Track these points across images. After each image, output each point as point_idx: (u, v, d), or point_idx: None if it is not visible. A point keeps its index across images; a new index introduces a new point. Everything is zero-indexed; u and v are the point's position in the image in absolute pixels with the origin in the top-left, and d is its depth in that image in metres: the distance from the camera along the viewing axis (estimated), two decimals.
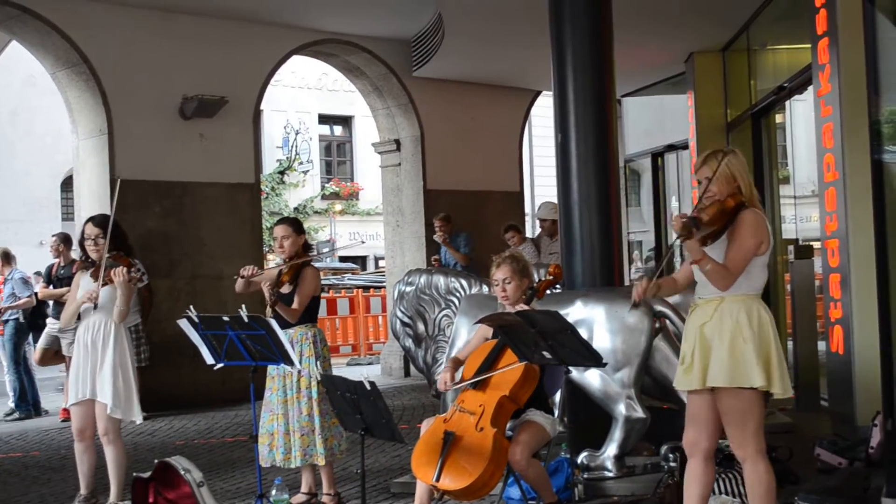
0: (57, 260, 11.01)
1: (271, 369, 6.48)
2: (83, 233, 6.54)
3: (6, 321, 11.60)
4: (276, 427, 6.45)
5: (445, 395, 6.68)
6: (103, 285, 6.28)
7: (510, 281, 5.64)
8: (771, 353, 4.62)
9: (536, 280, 5.93)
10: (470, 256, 12.41)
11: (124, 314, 6.33)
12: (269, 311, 6.39)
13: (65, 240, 11.00)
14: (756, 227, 4.65)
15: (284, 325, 6.31)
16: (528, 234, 15.49)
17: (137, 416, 6.41)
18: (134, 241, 7.04)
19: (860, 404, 7.64)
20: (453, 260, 12.45)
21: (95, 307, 6.31)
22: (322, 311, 12.90)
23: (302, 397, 6.39)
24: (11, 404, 11.60)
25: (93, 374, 6.33)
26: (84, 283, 6.47)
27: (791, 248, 9.66)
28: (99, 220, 6.51)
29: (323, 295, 12.07)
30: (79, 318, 6.48)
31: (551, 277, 5.96)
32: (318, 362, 6.43)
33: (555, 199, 8.12)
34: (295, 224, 6.72)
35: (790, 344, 9.63)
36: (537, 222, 11.71)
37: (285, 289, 6.48)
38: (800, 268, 9.48)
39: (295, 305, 6.44)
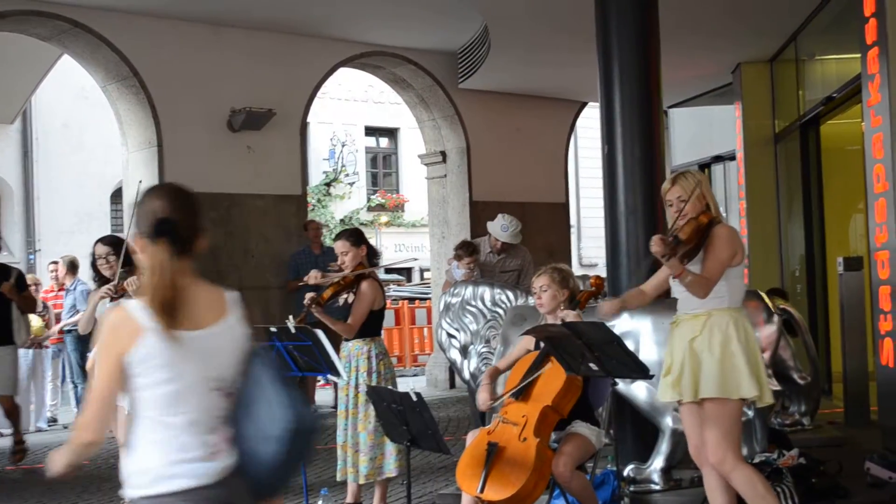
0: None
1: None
2: (94, 254, 6.58)
3: (68, 331, 11.73)
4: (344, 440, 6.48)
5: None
6: (120, 297, 6.16)
7: (546, 289, 5.63)
8: (759, 363, 4.88)
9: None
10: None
11: None
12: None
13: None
14: (730, 240, 4.99)
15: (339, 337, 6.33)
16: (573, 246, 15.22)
17: None
18: None
19: None
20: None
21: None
22: None
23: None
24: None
25: None
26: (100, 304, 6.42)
27: (840, 259, 9.55)
28: (108, 240, 6.63)
29: None
30: None
31: (593, 289, 5.95)
32: (375, 377, 6.41)
33: (601, 211, 7.95)
34: (353, 236, 6.62)
35: (840, 357, 9.52)
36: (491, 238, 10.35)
37: (341, 301, 6.48)
38: (849, 280, 9.36)
39: (350, 321, 6.41)
